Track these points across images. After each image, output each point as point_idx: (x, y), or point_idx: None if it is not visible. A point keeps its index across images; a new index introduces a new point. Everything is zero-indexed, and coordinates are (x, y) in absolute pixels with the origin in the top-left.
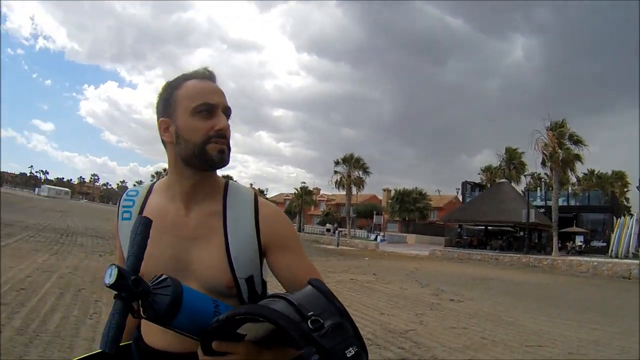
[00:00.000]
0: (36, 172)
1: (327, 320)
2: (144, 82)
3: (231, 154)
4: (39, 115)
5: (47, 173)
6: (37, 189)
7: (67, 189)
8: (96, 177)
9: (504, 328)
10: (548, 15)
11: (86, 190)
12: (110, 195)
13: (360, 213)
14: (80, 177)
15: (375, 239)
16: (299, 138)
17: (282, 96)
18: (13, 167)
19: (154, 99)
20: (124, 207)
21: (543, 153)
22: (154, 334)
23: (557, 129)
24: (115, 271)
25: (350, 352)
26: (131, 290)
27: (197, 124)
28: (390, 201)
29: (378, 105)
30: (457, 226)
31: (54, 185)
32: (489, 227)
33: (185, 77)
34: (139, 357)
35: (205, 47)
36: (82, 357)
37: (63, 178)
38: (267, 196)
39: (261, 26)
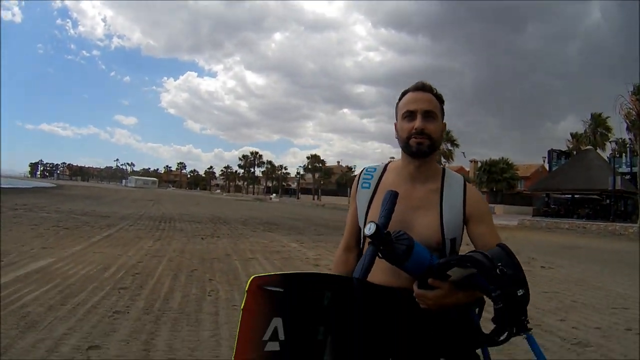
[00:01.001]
0: (122, 164)
1: (508, 270)
2: (223, 69)
3: (317, 132)
4: (120, 110)
5: (133, 165)
6: (124, 181)
7: (154, 179)
8: (183, 165)
9: (592, 292)
10: None
11: (173, 179)
12: (198, 182)
13: None
14: (167, 165)
15: None
16: (382, 113)
17: (363, 73)
18: (98, 161)
19: (234, 85)
20: (364, 179)
21: (626, 119)
22: (375, 274)
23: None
24: (374, 227)
25: (520, 292)
26: (383, 239)
27: (404, 126)
28: (477, 172)
29: (460, 76)
30: (544, 195)
31: (141, 176)
32: (575, 196)
33: (406, 91)
34: (362, 290)
35: (283, 31)
36: (334, 274)
37: (149, 168)
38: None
39: (336, 5)
